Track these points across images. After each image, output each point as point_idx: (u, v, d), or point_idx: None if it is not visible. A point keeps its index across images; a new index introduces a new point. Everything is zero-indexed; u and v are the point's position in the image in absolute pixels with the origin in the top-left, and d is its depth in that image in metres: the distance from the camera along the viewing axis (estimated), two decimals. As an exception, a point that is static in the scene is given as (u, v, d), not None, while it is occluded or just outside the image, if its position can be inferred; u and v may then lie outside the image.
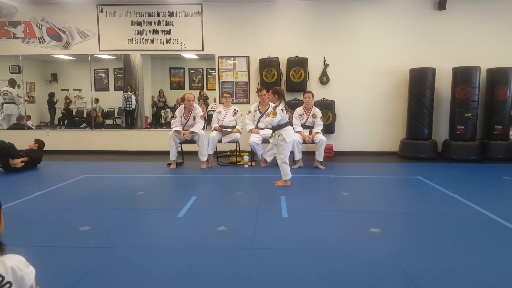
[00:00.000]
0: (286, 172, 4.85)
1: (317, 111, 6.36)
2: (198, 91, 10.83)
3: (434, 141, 7.22)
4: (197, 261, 2.72)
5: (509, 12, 7.31)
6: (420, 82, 7.09)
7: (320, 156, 6.14)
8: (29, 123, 9.12)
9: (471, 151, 6.91)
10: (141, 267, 2.61)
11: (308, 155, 6.64)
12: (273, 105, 4.85)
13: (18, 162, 5.82)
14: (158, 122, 10.78)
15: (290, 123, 4.91)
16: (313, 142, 6.17)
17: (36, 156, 6.20)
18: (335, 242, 3.07)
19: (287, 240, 3.09)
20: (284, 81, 7.59)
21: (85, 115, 10.36)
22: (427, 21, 7.42)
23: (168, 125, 9.79)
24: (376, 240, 3.09)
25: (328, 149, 7.15)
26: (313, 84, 7.66)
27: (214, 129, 6.48)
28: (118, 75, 10.44)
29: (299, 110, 6.39)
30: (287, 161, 4.86)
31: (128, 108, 9.32)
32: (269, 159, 6.25)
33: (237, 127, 6.54)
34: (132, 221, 3.60)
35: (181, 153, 6.65)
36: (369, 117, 7.71)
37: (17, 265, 1.42)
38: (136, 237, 3.18)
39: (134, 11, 7.73)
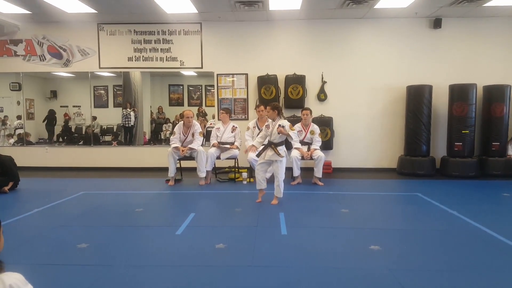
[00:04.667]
0: (282, 190, 4.87)
1: (315, 128, 6.41)
2: (197, 107, 10.91)
3: (432, 158, 7.25)
4: (195, 278, 2.70)
5: (503, 30, 7.46)
6: (417, 99, 7.16)
7: (318, 172, 6.15)
8: (11, 141, 9.23)
9: (470, 168, 6.93)
10: (139, 285, 2.59)
11: (307, 171, 6.64)
12: (270, 121, 4.89)
13: (5, 190, 5.60)
14: (156, 138, 10.81)
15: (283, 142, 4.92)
16: (311, 158, 6.19)
17: (15, 179, 5.79)
18: (334, 259, 3.06)
19: (286, 257, 3.08)
20: (282, 98, 7.66)
21: (83, 132, 10.39)
22: (423, 39, 7.56)
23: (166, 141, 9.81)
24: (376, 257, 3.08)
25: (327, 166, 7.16)
26: (311, 101, 7.73)
27: (213, 146, 6.50)
28: (118, 92, 10.52)
29: (297, 126, 6.42)
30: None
31: (127, 125, 9.37)
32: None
33: (235, 143, 6.56)
34: (130, 239, 3.58)
35: (180, 170, 6.65)
36: (367, 134, 7.76)
37: (16, 283, 1.42)
38: (134, 254, 3.17)
39: (134, 30, 7.86)
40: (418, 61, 7.56)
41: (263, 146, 4.99)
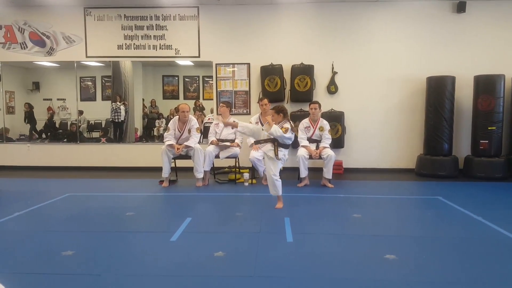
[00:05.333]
0: (279, 187, 4.83)
1: (324, 124, 6.40)
2: (194, 101, 10.92)
3: (455, 157, 7.24)
4: (192, 290, 2.72)
5: (534, 15, 7.42)
6: (439, 92, 7.14)
7: (328, 173, 6.15)
8: None
9: (496, 168, 6.92)
10: (130, 297, 2.61)
11: (315, 172, 6.65)
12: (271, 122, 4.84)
13: None
14: (149, 135, 10.83)
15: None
16: (320, 157, 6.19)
17: None
18: (345, 270, 3.06)
19: (292, 267, 3.08)
20: (288, 91, 7.66)
21: (69, 128, 10.43)
22: (446, 25, 7.53)
23: (160, 138, 9.83)
24: (392, 267, 3.09)
25: (337, 166, 7.16)
26: (320, 93, 7.73)
27: (211, 143, 6.51)
28: (106, 84, 10.54)
29: (305, 122, 6.43)
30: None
31: (116, 120, 9.38)
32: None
33: (236, 141, 6.57)
34: (120, 245, 3.60)
35: (175, 170, 6.66)
36: (382, 130, 7.75)
37: (-4, 294, 1.44)
38: (125, 263, 3.19)
39: (124, 15, 7.88)
40: (440, 50, 7.53)
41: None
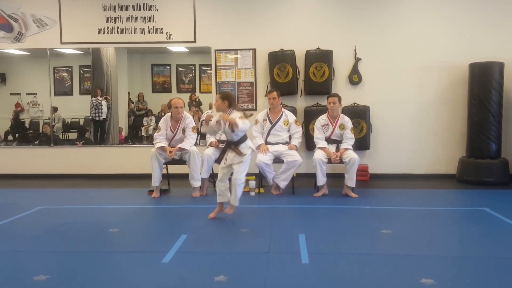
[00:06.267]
0: (240, 196, 4.95)
1: (346, 121, 6.38)
2: (189, 94, 10.94)
3: (504, 160, 7.20)
4: (188, 322, 2.71)
5: None
6: (484, 81, 7.10)
7: (351, 180, 6.13)
8: None
9: (555, 173, 6.88)
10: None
11: (335, 178, 6.63)
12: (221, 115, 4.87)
13: None
14: (136, 135, 10.87)
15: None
16: (341, 161, 6.18)
17: None
18: (372, 297, 3.05)
19: (308, 294, 3.07)
20: (301, 81, 7.66)
21: (41, 128, 10.48)
22: (491, 1, 7.48)
23: (149, 139, 9.85)
24: (428, 294, 3.06)
25: (362, 171, 7.15)
26: (340, 84, 7.72)
27: (210, 145, 6.52)
28: (85, 75, 10.59)
29: (322, 119, 6.41)
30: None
31: (97, 118, 9.43)
32: (282, 184, 6.25)
33: (240, 142, 6.57)
34: (102, 268, 3.60)
35: (167, 177, 6.68)
36: (416, 128, 7.73)
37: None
38: (108, 290, 3.19)
39: (106, -7, 7.93)
40: (484, 31, 7.50)
41: (221, 149, 5.14)
